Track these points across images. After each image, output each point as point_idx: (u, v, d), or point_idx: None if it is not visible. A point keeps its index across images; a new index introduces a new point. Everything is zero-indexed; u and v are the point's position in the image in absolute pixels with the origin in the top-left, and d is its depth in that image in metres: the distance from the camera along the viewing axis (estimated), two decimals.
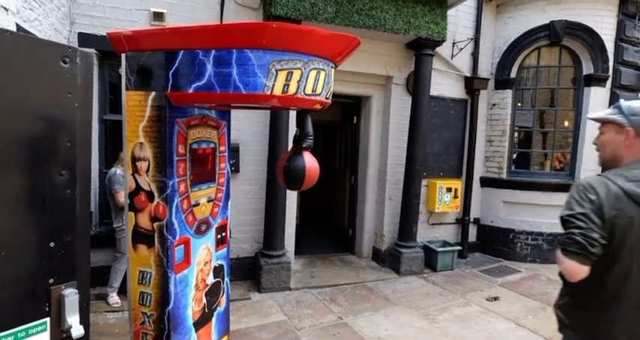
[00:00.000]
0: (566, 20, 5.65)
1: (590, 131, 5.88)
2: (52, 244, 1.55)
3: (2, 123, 1.31)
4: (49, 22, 3.48)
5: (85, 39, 4.01)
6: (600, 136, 1.74)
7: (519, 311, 4.29)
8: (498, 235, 6.25)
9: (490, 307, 4.41)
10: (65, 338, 1.60)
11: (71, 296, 1.60)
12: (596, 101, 5.86)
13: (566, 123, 6.21)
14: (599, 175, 1.60)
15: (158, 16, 4.24)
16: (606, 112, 1.70)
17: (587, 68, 5.84)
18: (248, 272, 4.86)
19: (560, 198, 6.75)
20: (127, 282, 4.31)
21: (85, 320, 1.63)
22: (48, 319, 1.55)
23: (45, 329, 1.55)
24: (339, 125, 8.01)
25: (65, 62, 1.58)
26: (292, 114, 4.64)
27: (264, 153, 4.78)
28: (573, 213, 1.55)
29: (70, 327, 1.57)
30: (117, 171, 3.97)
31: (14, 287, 1.42)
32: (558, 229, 6.01)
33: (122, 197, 3.89)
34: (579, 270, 1.51)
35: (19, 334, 1.47)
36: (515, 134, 6.43)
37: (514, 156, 6.43)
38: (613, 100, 5.92)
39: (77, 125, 1.63)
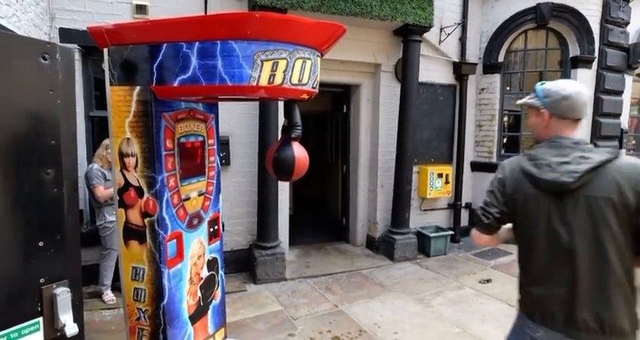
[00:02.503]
0: (552, 2, 5.63)
1: None
2: (40, 243, 1.53)
3: None
4: (28, 17, 3.41)
5: (66, 34, 3.93)
6: (529, 120, 1.81)
7: (511, 292, 4.31)
8: None
9: (483, 289, 4.48)
10: (59, 337, 1.58)
11: (63, 294, 1.58)
12: (583, 83, 5.88)
13: None
14: (519, 155, 1.74)
15: (141, 9, 4.16)
16: (527, 97, 1.77)
17: (574, 50, 5.85)
18: (243, 265, 4.87)
19: None
20: (120, 279, 4.30)
21: (78, 318, 1.62)
22: (41, 318, 1.53)
23: (38, 329, 1.53)
24: (329, 114, 7.99)
25: (45, 58, 1.54)
26: (282, 105, 4.62)
27: (255, 145, 4.75)
28: (487, 189, 1.76)
29: (64, 326, 1.55)
30: (93, 166, 3.91)
31: (4, 287, 1.40)
32: None
33: (100, 191, 3.85)
34: (478, 236, 1.79)
35: (11, 335, 1.45)
36: (505, 118, 6.46)
37: (504, 140, 6.47)
38: (599, 81, 5.97)
39: (61, 122, 1.60)
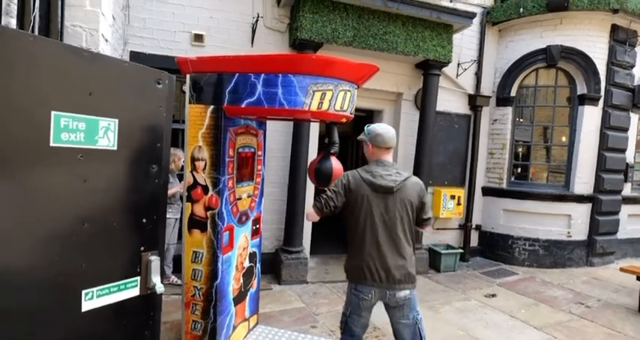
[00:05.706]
0: (561, 45, 6.16)
1: (584, 146, 6.36)
2: (144, 220, 2.05)
3: (124, 132, 1.83)
4: (111, 42, 4.07)
5: (135, 56, 4.60)
6: (363, 150, 2.70)
7: (514, 306, 4.74)
8: (498, 240, 6.71)
9: (488, 302, 4.86)
10: (149, 294, 2.09)
11: (155, 261, 2.07)
12: (590, 118, 6.34)
13: (563, 139, 6.69)
14: (355, 170, 2.58)
15: (198, 38, 4.83)
16: (361, 135, 2.66)
17: (581, 88, 6.32)
18: (269, 267, 5.35)
19: (556, 207, 7.21)
20: (181, 262, 4.87)
21: (161, 281, 2.12)
22: (139, 278, 2.03)
23: (136, 285, 2.03)
24: (351, 136, 8.54)
25: (159, 83, 2.11)
26: (312, 127, 5.18)
27: (286, 159, 5.31)
28: (330, 188, 2.52)
29: (155, 285, 2.04)
30: None
31: (119, 252, 1.91)
32: (554, 236, 6.70)
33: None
34: (313, 215, 2.50)
35: (120, 286, 1.96)
36: (516, 147, 6.93)
37: (514, 167, 6.91)
38: (605, 118, 6.41)
39: (164, 130, 2.15)
